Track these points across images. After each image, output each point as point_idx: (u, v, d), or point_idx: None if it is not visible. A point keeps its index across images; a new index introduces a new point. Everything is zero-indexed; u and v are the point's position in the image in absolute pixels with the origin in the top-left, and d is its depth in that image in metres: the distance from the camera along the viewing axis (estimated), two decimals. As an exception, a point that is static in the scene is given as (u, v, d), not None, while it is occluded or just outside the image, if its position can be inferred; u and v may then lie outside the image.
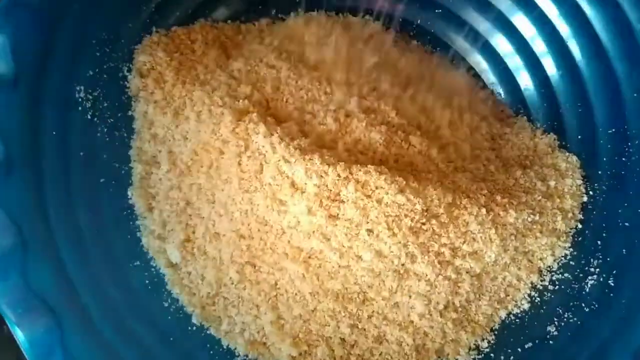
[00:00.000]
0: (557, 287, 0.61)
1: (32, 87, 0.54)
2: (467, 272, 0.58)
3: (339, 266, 0.55)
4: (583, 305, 0.58)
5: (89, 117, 0.60)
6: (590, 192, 0.64)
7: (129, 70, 0.63)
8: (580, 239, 0.62)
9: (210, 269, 0.59)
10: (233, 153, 0.57)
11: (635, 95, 0.61)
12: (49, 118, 0.55)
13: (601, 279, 0.59)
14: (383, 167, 0.56)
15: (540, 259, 0.61)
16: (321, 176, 0.53)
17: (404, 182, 0.54)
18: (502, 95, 0.73)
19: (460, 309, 0.58)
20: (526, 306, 0.60)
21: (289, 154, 0.54)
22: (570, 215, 0.62)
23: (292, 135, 0.57)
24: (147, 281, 0.60)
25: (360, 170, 0.54)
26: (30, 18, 0.52)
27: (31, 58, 0.53)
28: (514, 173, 0.64)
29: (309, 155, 0.54)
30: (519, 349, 0.58)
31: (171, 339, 0.57)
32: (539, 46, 0.69)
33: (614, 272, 0.58)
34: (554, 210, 0.61)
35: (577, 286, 0.60)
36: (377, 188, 0.54)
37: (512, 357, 0.58)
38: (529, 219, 0.59)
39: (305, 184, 0.54)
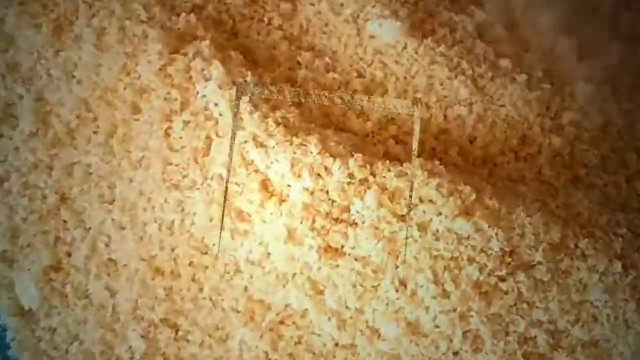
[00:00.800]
0: None
1: None
2: (575, 380, 0.50)
3: (336, 345, 0.50)
4: None
5: None
6: None
7: (-23, -62, 0.58)
8: None
9: (92, 326, 0.54)
10: (158, 112, 0.53)
11: None
12: None
13: None
14: (436, 162, 0.52)
15: None
16: (318, 174, 0.50)
17: (473, 196, 0.50)
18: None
19: None
20: None
21: (266, 131, 0.51)
22: None
23: (275, 94, 0.54)
24: (-27, 338, 0.54)
25: (390, 168, 0.50)
26: None
27: None
28: (683, 201, 0.57)
29: (302, 136, 0.51)
30: None
31: None
32: None
33: None
34: None
35: None
36: (420, 202, 0.50)
37: None
38: None
39: (289, 186, 0.50)
